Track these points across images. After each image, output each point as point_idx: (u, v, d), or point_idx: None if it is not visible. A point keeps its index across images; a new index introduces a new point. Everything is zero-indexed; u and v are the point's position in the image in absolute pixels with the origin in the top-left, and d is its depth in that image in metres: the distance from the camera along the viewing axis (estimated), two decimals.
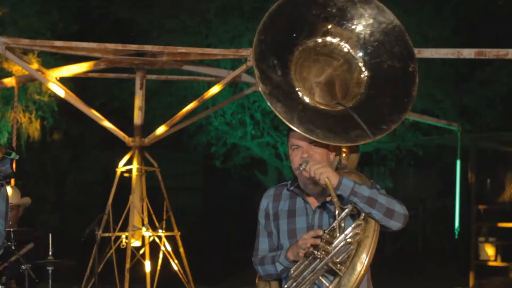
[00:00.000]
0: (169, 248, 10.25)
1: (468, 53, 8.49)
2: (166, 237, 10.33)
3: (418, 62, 4.41)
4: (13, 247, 7.20)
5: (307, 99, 4.16)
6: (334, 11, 4.31)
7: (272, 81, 4.09)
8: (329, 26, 4.32)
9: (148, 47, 9.81)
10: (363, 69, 4.34)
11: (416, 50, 4.44)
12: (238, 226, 22.28)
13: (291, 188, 4.25)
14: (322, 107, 4.19)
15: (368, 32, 4.34)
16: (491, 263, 16.29)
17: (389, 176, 22.90)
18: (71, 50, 9.83)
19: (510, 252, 16.50)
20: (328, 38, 4.33)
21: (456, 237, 17.85)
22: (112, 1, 16.40)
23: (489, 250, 16.43)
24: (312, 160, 4.05)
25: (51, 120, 14.55)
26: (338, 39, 4.34)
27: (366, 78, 4.33)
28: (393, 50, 4.34)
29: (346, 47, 4.36)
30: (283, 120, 4.01)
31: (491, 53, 8.39)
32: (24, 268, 7.20)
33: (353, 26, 4.33)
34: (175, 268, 10.29)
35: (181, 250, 10.39)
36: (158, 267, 10.16)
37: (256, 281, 4.45)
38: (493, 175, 19.14)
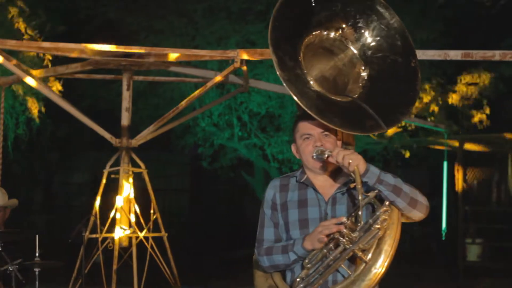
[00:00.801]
0: (156, 249, 10.24)
1: (455, 54, 8.49)
2: (153, 238, 10.31)
3: None
4: None
5: (318, 89, 4.17)
6: (339, 6, 4.34)
7: (289, 67, 4.09)
8: (334, 20, 4.35)
9: (135, 49, 9.79)
10: (366, 63, 4.38)
11: None
12: (225, 227, 22.28)
13: (302, 180, 4.20)
14: (333, 97, 4.20)
15: (371, 27, 4.38)
16: (478, 264, 16.33)
17: None
18: (58, 51, 9.81)
19: (497, 253, 16.55)
20: (332, 31, 4.36)
21: (443, 238, 17.91)
22: (100, 2, 16.37)
23: (477, 251, 16.47)
24: (325, 148, 4.04)
25: (38, 121, 14.49)
26: (342, 33, 4.37)
27: (369, 72, 4.37)
28: (395, 45, 4.38)
29: (349, 41, 4.39)
30: (302, 106, 3.95)
31: (477, 54, 8.40)
32: (11, 269, 7.17)
33: (357, 21, 4.37)
34: (162, 269, 10.27)
35: (168, 251, 10.37)
36: (145, 268, 10.14)
37: (254, 275, 4.34)
38: (480, 177, 19.17)
